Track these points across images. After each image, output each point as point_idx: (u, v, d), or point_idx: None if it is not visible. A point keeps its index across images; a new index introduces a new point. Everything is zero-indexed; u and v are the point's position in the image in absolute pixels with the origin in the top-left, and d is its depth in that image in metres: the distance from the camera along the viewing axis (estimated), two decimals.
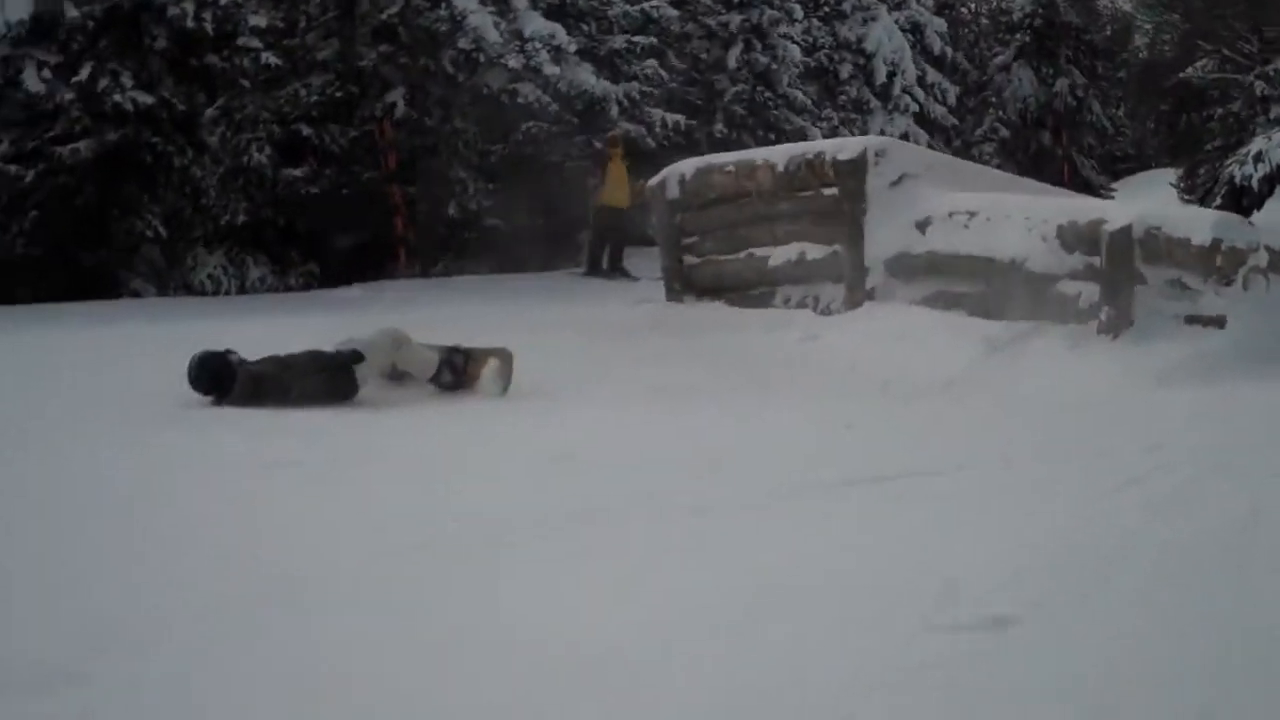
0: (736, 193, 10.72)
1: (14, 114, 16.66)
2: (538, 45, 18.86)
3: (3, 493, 4.63)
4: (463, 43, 18.40)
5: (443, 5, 18.37)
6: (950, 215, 8.95)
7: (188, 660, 2.98)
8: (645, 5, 23.43)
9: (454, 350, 7.18)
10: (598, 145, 18.83)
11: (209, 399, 6.62)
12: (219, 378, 6.62)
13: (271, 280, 17.01)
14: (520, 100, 19.61)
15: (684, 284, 11.24)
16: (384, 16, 18.94)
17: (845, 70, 29.88)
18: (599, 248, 16.91)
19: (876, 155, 9.53)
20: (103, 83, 15.62)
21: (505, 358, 7.22)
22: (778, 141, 19.91)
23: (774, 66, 25.91)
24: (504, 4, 19.11)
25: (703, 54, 25.76)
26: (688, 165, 11.42)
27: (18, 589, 3.54)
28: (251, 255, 17.08)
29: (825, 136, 22.36)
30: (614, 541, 4.05)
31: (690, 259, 11.24)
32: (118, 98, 15.62)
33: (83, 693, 2.78)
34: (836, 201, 9.65)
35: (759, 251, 10.45)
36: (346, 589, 3.54)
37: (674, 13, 24.10)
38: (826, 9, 30.09)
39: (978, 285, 8.57)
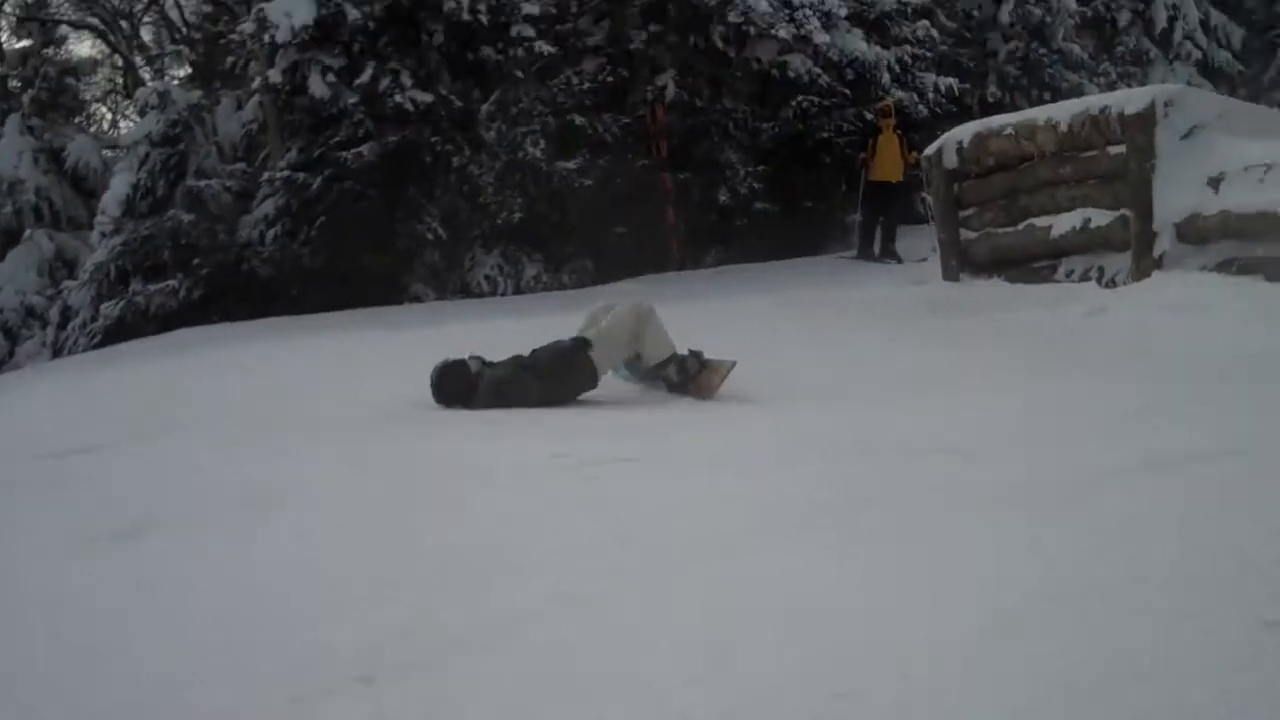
0: (1017, 157, 10.14)
1: (300, 121, 17.01)
2: (808, 12, 18.27)
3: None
4: (732, 16, 17.95)
5: None
6: (1246, 169, 8.09)
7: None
8: None
9: (693, 353, 6.73)
10: (869, 116, 18.13)
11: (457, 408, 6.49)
12: (462, 387, 6.50)
13: (546, 278, 16.88)
14: (790, 73, 19.03)
15: (961, 260, 10.68)
16: None
17: (1123, 18, 28.36)
18: (869, 228, 16.19)
19: (1166, 105, 8.74)
20: (384, 83, 15.75)
21: (728, 368, 6.72)
22: (1053, 101, 18.92)
23: (1048, 19, 24.65)
24: None
25: (974, 10, 24.70)
26: (965, 131, 10.83)
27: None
28: (527, 253, 17.00)
29: (1102, 92, 21.17)
30: (908, 528, 3.70)
31: (967, 233, 10.65)
32: (398, 98, 15.73)
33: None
34: (1123, 160, 8.86)
35: (1040, 221, 9.82)
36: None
37: None
38: None
39: (1276, 248, 7.67)
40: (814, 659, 2.69)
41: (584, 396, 6.65)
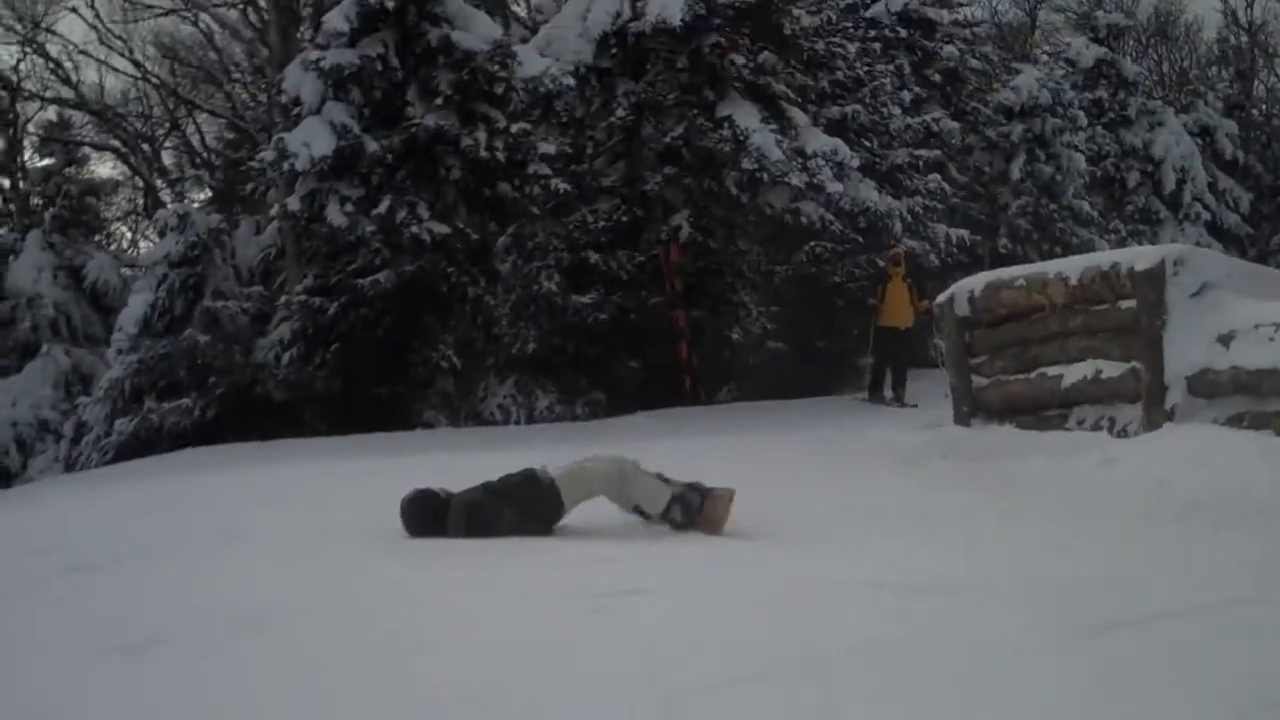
0: (1027, 308, 10.14)
1: (318, 248, 17.27)
2: (820, 162, 18.59)
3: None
4: (745, 163, 18.25)
5: (725, 125, 18.31)
6: (1256, 327, 8.13)
7: None
8: (927, 117, 23.08)
9: (691, 487, 6.58)
10: (880, 263, 18.38)
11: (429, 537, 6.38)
12: (433, 515, 6.39)
13: (559, 409, 16.92)
14: (803, 219, 19.32)
15: (972, 406, 10.71)
16: (668, 139, 19.03)
17: (1132, 179, 28.90)
18: (880, 371, 16.42)
19: (1175, 264, 8.75)
20: (401, 214, 15.97)
21: (730, 496, 6.69)
22: (1063, 255, 19.15)
23: (1058, 177, 25.15)
24: (785, 120, 18.95)
25: (985, 166, 25.16)
26: (977, 281, 10.90)
27: None
28: (540, 384, 17.06)
29: (1113, 249, 21.44)
30: (925, 673, 3.68)
31: (979, 379, 10.70)
32: (415, 229, 15.95)
33: None
34: (1134, 315, 8.93)
35: (1050, 371, 9.80)
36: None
37: (955, 125, 23.66)
38: (1111, 115, 29.21)
39: None
40: None
41: (585, 526, 6.62)
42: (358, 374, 16.27)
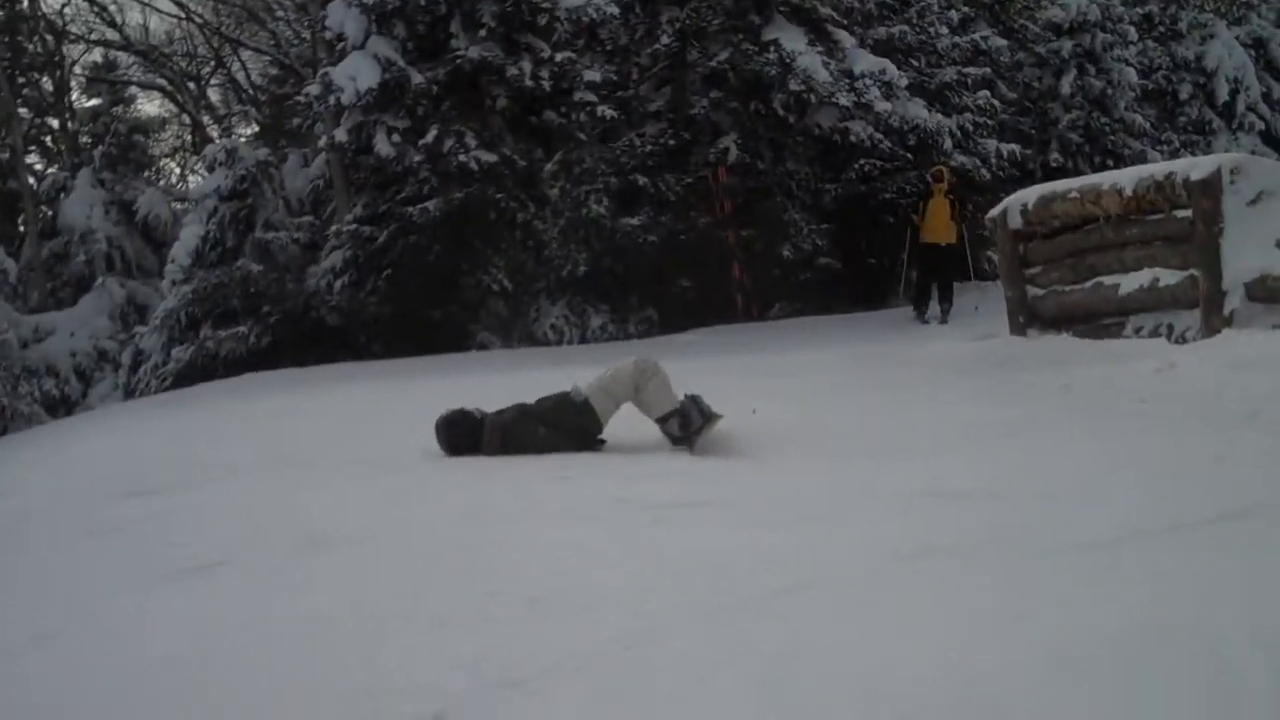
0: (1082, 219, 10.14)
1: (367, 178, 17.34)
2: (868, 82, 18.37)
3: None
4: (793, 84, 18.11)
5: (771, 49, 18.15)
6: None
7: None
8: (974, 36, 22.78)
9: (696, 402, 6.61)
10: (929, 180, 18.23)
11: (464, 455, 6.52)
12: (468, 434, 6.54)
13: (612, 328, 16.98)
14: (852, 138, 19.21)
15: (1029, 316, 10.74)
16: (714, 63, 18.92)
17: (1185, 91, 28.42)
18: (924, 289, 16.28)
19: (1232, 173, 8.75)
20: (448, 144, 15.98)
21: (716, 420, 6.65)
22: (1116, 168, 18.94)
23: (1109, 91, 24.77)
24: (832, 43, 18.75)
25: (1035, 82, 24.82)
26: (1030, 193, 10.88)
27: None
28: (592, 305, 17.12)
29: (1166, 160, 21.18)
30: (971, 580, 3.74)
31: (1034, 290, 10.71)
32: (462, 157, 15.96)
33: None
34: (1190, 224, 8.90)
35: (1107, 280, 9.82)
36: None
37: (1003, 42, 23.32)
38: (1162, 29, 28.69)
39: None
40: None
41: (635, 442, 6.68)
42: (410, 299, 16.38)
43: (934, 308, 15.93)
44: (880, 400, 8.06)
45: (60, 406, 20.06)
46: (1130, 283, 9.57)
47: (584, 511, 4.98)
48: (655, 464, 6.14)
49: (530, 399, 6.71)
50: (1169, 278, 9.21)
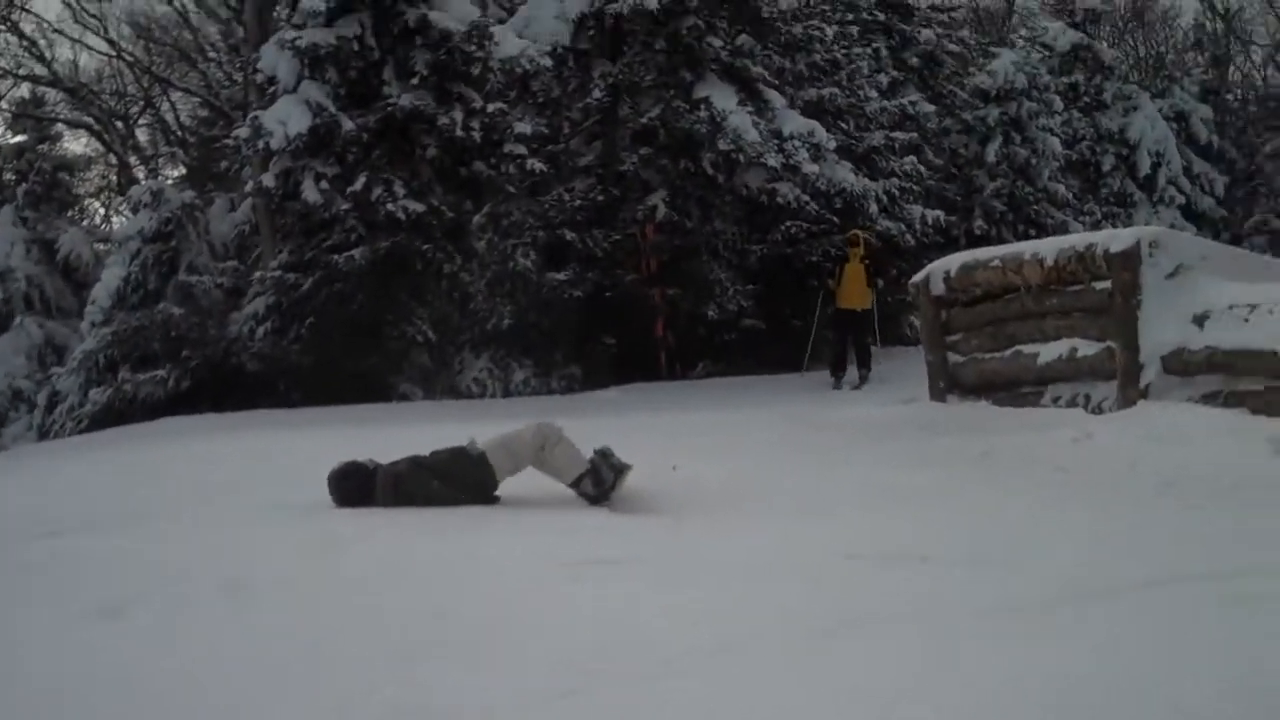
0: (1003, 288, 10.27)
1: (293, 224, 17.22)
2: (797, 144, 18.58)
3: None
4: (722, 144, 18.25)
5: (702, 106, 18.30)
6: (1230, 308, 8.24)
7: None
8: (903, 100, 23.13)
9: (606, 457, 6.61)
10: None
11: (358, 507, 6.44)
12: (360, 485, 6.50)
13: (535, 383, 16.90)
14: (779, 200, 19.39)
15: (949, 382, 10.85)
16: (645, 120, 19.03)
17: (1107, 162, 29.01)
18: (840, 353, 16.42)
19: (1151, 246, 8.88)
20: (376, 192, 15.89)
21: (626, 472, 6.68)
22: (1038, 237, 19.24)
23: (1034, 160, 25.25)
24: (763, 103, 18.95)
25: (961, 149, 25.25)
26: (953, 260, 11.03)
27: None
28: (516, 359, 17.03)
29: (1088, 231, 21.55)
30: (897, 647, 3.73)
31: (955, 357, 10.83)
32: (390, 206, 15.86)
33: None
34: (1109, 295, 9.03)
35: (1026, 349, 9.94)
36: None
37: (931, 108, 23.71)
38: (1087, 100, 29.33)
39: (1261, 382, 7.81)
40: None
41: (552, 497, 6.59)
42: (333, 348, 16.19)
43: (852, 373, 16.06)
44: (802, 461, 8.07)
45: None
46: (1049, 352, 9.68)
47: (498, 565, 4.93)
48: (570, 519, 6.09)
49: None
50: (1087, 348, 9.31)
